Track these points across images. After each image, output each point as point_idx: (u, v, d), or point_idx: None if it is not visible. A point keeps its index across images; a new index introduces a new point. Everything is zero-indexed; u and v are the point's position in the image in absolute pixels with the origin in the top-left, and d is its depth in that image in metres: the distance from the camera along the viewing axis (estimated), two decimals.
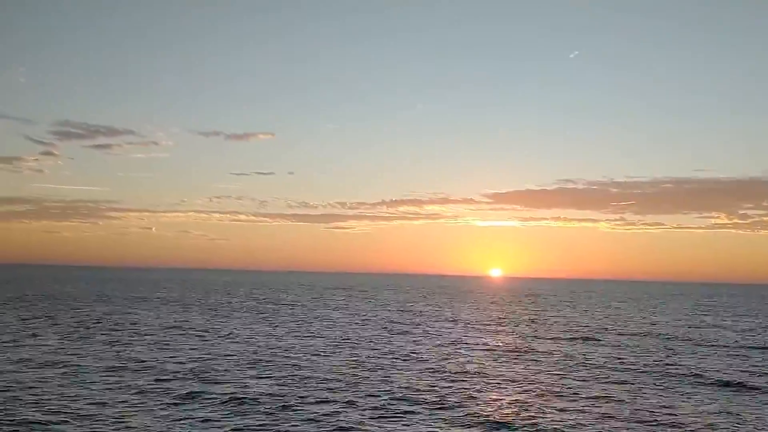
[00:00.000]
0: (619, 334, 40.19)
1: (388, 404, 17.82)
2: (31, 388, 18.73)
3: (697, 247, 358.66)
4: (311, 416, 16.34)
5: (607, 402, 18.91)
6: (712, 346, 34.96)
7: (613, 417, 17.06)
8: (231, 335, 34.24)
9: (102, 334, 32.91)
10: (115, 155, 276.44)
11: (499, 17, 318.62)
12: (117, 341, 30.24)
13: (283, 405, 17.37)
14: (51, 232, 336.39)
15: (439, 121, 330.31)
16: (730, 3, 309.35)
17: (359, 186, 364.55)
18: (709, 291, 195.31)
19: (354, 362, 25.26)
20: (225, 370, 22.69)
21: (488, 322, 47.79)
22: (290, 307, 60.71)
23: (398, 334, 37.12)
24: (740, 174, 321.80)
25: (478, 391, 20.17)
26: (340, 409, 17.11)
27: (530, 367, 25.35)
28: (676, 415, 17.53)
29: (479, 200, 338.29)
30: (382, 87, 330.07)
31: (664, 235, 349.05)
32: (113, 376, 21.09)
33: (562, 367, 25.67)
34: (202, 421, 15.66)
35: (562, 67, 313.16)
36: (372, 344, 31.57)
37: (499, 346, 32.61)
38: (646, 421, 16.68)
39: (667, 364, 26.84)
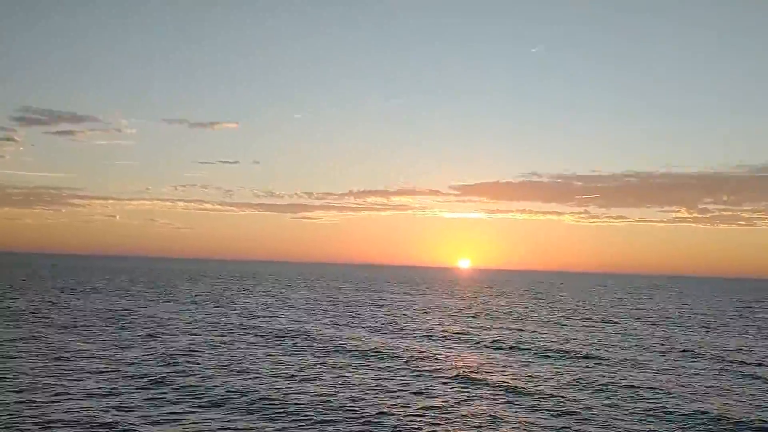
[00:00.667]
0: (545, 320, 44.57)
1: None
2: None
3: (659, 240, 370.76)
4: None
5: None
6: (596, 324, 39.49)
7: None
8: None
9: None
10: (79, 142, 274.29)
11: (467, 9, 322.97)
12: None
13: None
14: (13, 219, 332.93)
15: (405, 113, 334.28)
16: None
17: (326, 176, 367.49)
18: (654, 282, 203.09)
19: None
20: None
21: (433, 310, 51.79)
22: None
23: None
24: (701, 169, 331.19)
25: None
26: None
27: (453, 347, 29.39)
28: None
29: (446, 192, 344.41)
30: (349, 78, 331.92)
31: (628, 228, 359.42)
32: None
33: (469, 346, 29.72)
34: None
35: (529, 60, 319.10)
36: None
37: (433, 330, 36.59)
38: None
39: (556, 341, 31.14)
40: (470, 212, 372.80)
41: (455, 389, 19.21)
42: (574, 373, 22.46)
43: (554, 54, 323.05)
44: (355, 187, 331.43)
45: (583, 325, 40.77)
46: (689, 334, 37.47)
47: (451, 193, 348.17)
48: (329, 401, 16.98)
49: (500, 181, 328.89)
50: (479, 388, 19.42)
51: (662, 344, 31.87)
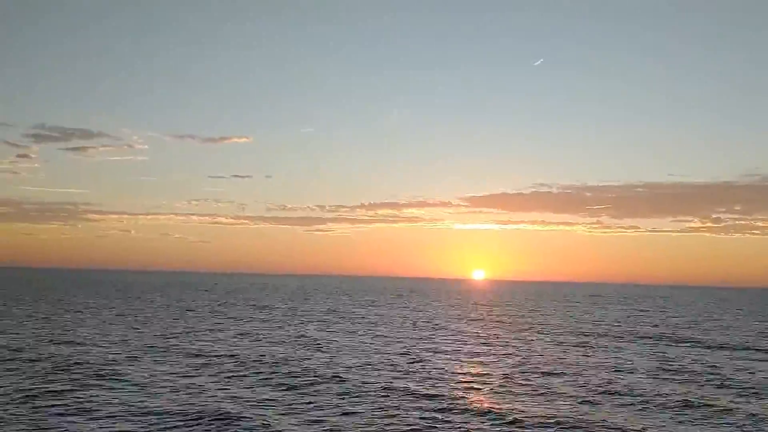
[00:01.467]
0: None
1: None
2: None
3: (674, 250, 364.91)
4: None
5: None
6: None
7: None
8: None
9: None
10: (92, 158, 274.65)
11: (473, 24, 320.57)
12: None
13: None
14: (30, 234, 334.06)
15: (414, 126, 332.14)
16: (703, 6, 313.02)
17: (337, 189, 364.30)
18: (668, 293, 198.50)
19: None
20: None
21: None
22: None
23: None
24: (711, 178, 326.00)
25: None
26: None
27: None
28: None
29: (456, 203, 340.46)
30: (359, 92, 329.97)
31: (641, 238, 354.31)
32: None
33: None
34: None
35: (534, 73, 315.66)
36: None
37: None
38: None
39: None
40: (482, 223, 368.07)
41: None
42: None
43: (558, 66, 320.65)
44: (366, 199, 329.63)
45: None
46: None
47: (461, 205, 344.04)
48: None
49: (509, 192, 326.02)
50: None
51: None
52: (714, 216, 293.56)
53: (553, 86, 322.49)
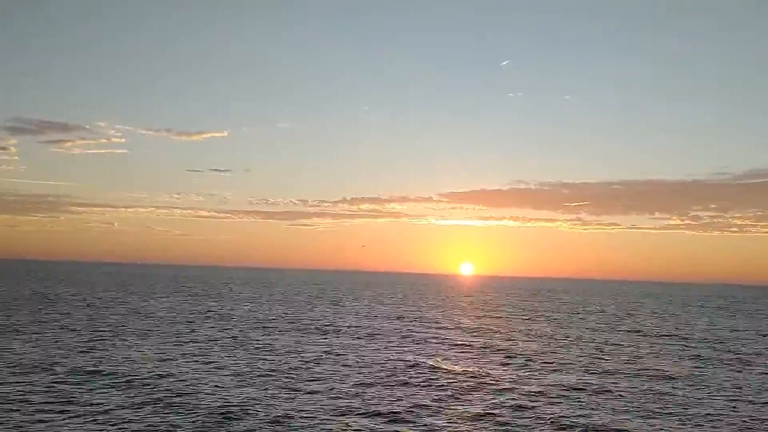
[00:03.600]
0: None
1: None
2: None
3: (656, 247, 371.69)
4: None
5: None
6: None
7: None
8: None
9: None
10: (70, 151, 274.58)
11: (451, 23, 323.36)
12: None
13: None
14: (13, 227, 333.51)
15: (390, 123, 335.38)
16: (675, 3, 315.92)
17: (317, 184, 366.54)
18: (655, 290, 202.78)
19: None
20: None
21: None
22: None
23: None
24: (684, 176, 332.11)
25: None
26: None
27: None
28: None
29: (437, 199, 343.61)
30: (335, 87, 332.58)
31: (621, 235, 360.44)
32: None
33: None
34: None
35: (506, 72, 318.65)
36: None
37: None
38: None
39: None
40: (465, 219, 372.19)
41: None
42: None
43: (530, 67, 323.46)
44: (347, 194, 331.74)
45: None
46: None
47: (441, 201, 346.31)
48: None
49: (488, 189, 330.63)
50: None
51: None
52: (692, 214, 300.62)
53: (527, 86, 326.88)
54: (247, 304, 61.86)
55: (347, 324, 43.15)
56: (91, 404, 17.72)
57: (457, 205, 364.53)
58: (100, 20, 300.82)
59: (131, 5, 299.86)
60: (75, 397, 18.47)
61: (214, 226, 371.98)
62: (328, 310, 57.01)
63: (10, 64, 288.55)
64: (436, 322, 47.16)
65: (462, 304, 74.91)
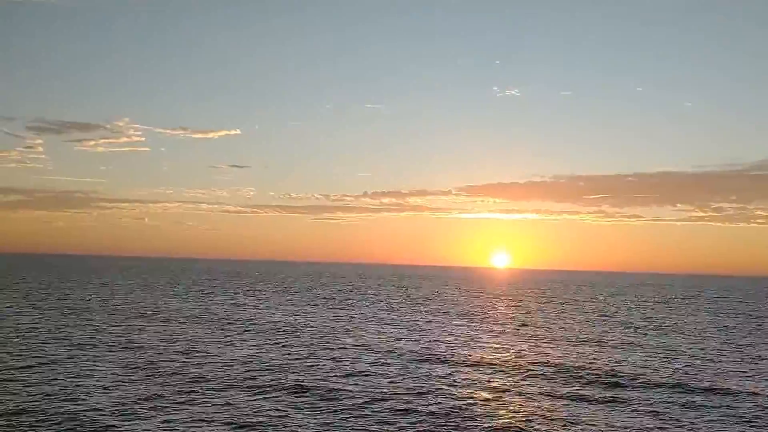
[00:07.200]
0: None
1: None
2: None
3: (678, 239, 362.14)
4: None
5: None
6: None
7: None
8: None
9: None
10: (94, 149, 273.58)
11: (466, 15, 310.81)
12: None
13: None
14: (47, 222, 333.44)
15: (406, 119, 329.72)
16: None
17: (338, 178, 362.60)
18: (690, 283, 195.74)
19: None
20: None
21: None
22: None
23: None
24: (693, 168, 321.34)
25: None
26: None
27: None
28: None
29: (457, 193, 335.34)
30: (349, 85, 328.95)
31: (645, 228, 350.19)
32: None
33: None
34: None
35: (519, 66, 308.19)
36: None
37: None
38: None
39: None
40: (486, 212, 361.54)
41: None
42: None
43: (542, 58, 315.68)
44: (368, 188, 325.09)
45: None
46: None
47: (461, 194, 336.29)
48: None
49: (504, 182, 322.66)
50: None
51: None
52: (714, 205, 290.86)
53: (542, 79, 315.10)
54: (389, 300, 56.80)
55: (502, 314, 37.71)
56: None
57: (476, 198, 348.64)
58: (114, 24, 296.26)
59: (139, 11, 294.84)
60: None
61: (241, 221, 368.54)
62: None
63: (31, 68, 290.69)
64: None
65: (578, 300, 69.35)
